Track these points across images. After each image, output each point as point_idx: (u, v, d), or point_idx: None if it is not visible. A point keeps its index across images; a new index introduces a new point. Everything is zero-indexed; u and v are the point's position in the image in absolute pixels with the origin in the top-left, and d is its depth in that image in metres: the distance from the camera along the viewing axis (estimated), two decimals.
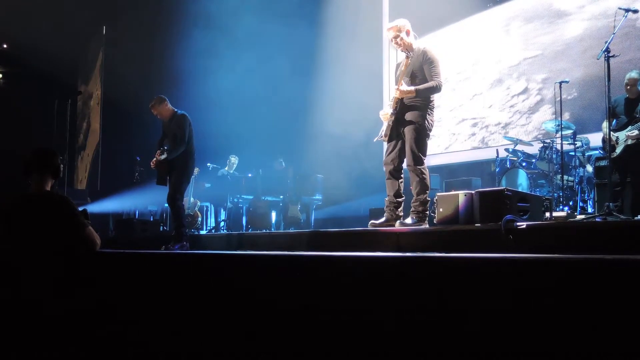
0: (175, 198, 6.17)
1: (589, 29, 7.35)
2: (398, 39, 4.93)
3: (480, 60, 8.69)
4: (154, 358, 2.60)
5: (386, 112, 5.02)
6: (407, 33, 4.96)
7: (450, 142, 8.92)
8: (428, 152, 4.99)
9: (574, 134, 6.53)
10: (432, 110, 4.95)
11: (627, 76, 5.93)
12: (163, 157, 6.14)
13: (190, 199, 9.52)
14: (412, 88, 4.78)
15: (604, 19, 7.04)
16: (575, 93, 7.34)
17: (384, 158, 5.07)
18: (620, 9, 4.76)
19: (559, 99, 6.01)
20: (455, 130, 8.86)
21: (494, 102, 8.41)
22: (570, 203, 6.41)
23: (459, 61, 8.94)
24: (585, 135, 6.81)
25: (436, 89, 4.83)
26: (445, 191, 6.87)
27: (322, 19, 10.41)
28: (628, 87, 5.91)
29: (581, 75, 7.27)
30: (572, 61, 7.46)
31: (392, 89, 5.22)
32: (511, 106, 8.15)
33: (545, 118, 7.20)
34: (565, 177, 6.30)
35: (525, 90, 8.01)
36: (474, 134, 8.58)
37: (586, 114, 7.19)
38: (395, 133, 4.96)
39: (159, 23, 11.19)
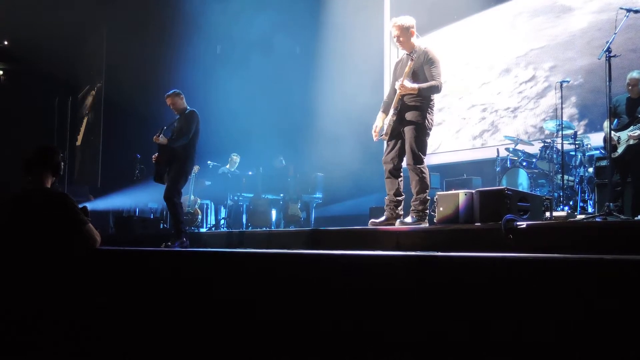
0: (172, 195, 6.18)
1: (593, 22, 7.53)
2: (401, 38, 4.93)
3: (487, 52, 8.83)
4: (154, 356, 2.60)
5: (376, 131, 5.09)
6: (412, 33, 4.95)
7: (460, 126, 9.01)
8: (432, 146, 5.01)
9: (575, 134, 6.54)
10: (432, 110, 4.95)
11: (629, 76, 5.92)
12: (162, 139, 6.20)
13: (190, 197, 9.52)
14: (416, 86, 4.78)
15: (608, 12, 7.17)
16: (582, 79, 7.50)
17: (383, 157, 5.07)
18: (621, 8, 4.75)
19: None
20: (465, 115, 8.98)
21: (502, 90, 8.55)
22: (571, 203, 6.40)
23: (467, 54, 9.07)
24: (587, 135, 6.86)
25: (437, 88, 4.84)
26: (446, 190, 6.87)
27: (323, 16, 10.41)
28: (630, 87, 5.90)
29: (587, 62, 7.41)
30: (578, 50, 7.64)
31: (391, 86, 5.20)
32: (519, 92, 8.31)
33: (553, 102, 7.31)
34: (566, 177, 6.30)
35: (532, 78, 8.19)
36: (484, 118, 8.70)
37: (591, 97, 7.33)
38: (395, 132, 4.96)
39: (161, 21, 11.18)
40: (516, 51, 8.39)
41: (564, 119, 7.01)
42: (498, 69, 8.61)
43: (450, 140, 9.08)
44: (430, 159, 6.88)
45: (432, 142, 8.67)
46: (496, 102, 8.57)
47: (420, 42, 5.02)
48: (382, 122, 5.08)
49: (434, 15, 8.91)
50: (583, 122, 7.24)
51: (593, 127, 7.19)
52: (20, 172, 3.49)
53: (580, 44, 7.59)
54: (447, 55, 8.88)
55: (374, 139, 5.13)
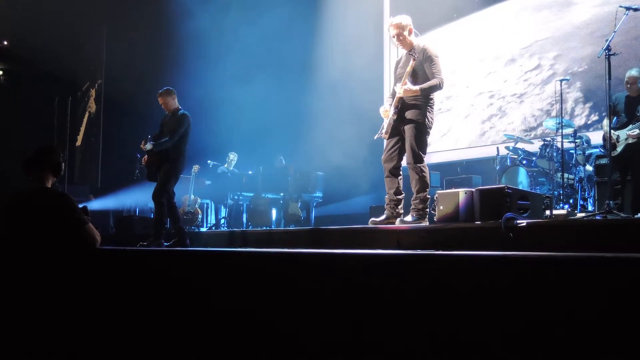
0: (160, 194, 6.15)
1: (595, 14, 7.66)
2: (400, 37, 4.96)
3: (492, 45, 8.95)
4: (154, 356, 2.60)
5: (386, 109, 5.04)
6: (410, 31, 4.98)
7: (469, 112, 9.09)
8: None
9: (575, 132, 6.54)
10: (432, 108, 4.97)
11: (627, 74, 5.91)
12: (148, 146, 6.17)
13: (190, 196, 9.54)
14: (417, 87, 4.79)
15: (609, 5, 7.26)
16: (586, 66, 7.62)
17: (383, 155, 5.08)
18: (621, 7, 4.76)
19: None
20: (473, 101, 9.09)
21: (508, 78, 8.68)
22: (571, 201, 6.40)
23: (472, 48, 9.18)
24: (586, 133, 6.89)
25: (438, 86, 4.86)
26: (446, 189, 6.87)
27: (322, 16, 10.40)
28: (628, 85, 5.89)
29: (590, 51, 7.50)
30: (581, 40, 7.77)
31: (391, 85, 5.22)
32: (525, 80, 8.47)
33: (559, 88, 7.38)
34: (566, 175, 6.30)
35: (538, 67, 8.34)
36: (491, 104, 8.84)
37: (596, 82, 7.42)
38: (395, 131, 4.97)
39: (160, 19, 11.17)
40: (521, 43, 8.53)
41: (569, 103, 7.05)
42: (503, 59, 8.77)
43: (460, 125, 9.17)
44: (430, 158, 6.88)
45: (441, 127, 8.97)
46: (503, 89, 8.72)
47: (418, 40, 5.04)
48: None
49: (435, 14, 8.95)
50: (588, 105, 7.44)
51: (597, 109, 7.35)
52: (20, 171, 3.50)
53: (584, 34, 7.75)
54: (453, 50, 9.03)
55: (383, 115, 5.11)
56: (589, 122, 7.45)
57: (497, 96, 8.76)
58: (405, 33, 4.96)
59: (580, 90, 7.63)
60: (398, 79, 5.01)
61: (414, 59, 4.84)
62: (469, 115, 9.08)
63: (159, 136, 6.38)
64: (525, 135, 7.93)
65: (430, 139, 5.11)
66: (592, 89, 7.51)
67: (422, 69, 4.89)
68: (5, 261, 3.11)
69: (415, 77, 4.89)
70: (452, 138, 9.13)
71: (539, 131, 7.73)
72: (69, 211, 3.37)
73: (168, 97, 6.40)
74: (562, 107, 6.18)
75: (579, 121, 7.49)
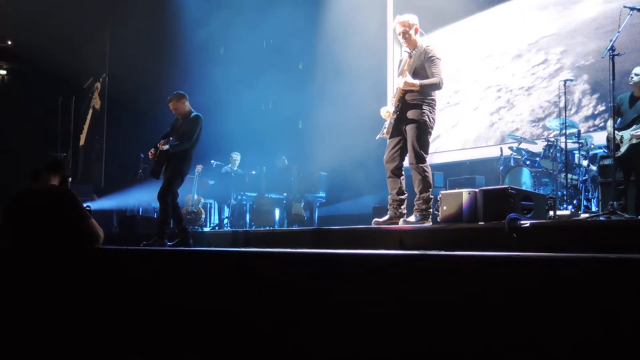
0: (165, 194, 6.15)
1: (601, 11, 7.70)
2: (406, 35, 4.97)
3: (499, 42, 8.99)
4: (155, 355, 2.60)
5: (388, 110, 5.05)
6: (416, 31, 5.01)
7: (477, 105, 9.13)
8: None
9: (579, 133, 6.52)
10: (434, 109, 4.97)
11: (635, 70, 5.83)
12: (166, 147, 6.17)
13: (194, 196, 9.54)
14: (417, 82, 4.81)
15: (615, 2, 7.29)
16: (593, 59, 7.65)
17: (384, 156, 5.08)
18: (625, 7, 4.75)
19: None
20: (481, 95, 9.13)
21: (516, 72, 8.73)
22: (574, 202, 6.39)
23: (478, 46, 9.23)
24: (590, 134, 6.88)
25: (437, 85, 4.87)
26: (449, 189, 6.86)
27: (325, 16, 10.41)
28: (633, 79, 5.79)
29: (596, 46, 7.53)
30: (587, 35, 7.81)
31: (395, 85, 5.23)
32: (532, 74, 8.51)
33: (563, 88, 7.40)
34: (570, 175, 6.28)
35: (545, 61, 8.38)
36: (499, 97, 8.88)
37: (602, 75, 7.45)
38: (396, 131, 4.97)
39: (164, 20, 11.19)
40: (527, 39, 8.57)
41: (576, 95, 7.06)
42: (510, 55, 8.81)
43: (469, 117, 9.19)
44: (433, 158, 6.88)
45: (450, 120, 9.05)
46: (510, 83, 8.77)
47: (423, 40, 5.06)
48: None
49: (439, 14, 8.95)
50: (595, 96, 7.48)
51: (604, 99, 7.37)
52: (22, 171, 3.52)
53: (589, 30, 7.79)
54: (458, 49, 9.07)
55: (384, 117, 5.11)
56: (596, 112, 7.49)
57: (504, 90, 8.83)
58: (412, 32, 4.98)
59: (587, 82, 7.71)
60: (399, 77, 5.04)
61: (410, 56, 4.90)
62: (477, 108, 9.12)
63: (168, 136, 6.39)
64: (533, 126, 7.93)
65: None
66: (599, 81, 7.57)
67: (423, 68, 4.91)
68: (10, 258, 3.12)
69: (416, 76, 4.90)
70: (461, 130, 9.10)
71: (547, 122, 7.70)
72: (71, 207, 3.39)
73: (178, 103, 6.38)
74: (565, 108, 6.17)
75: (587, 112, 7.50)
